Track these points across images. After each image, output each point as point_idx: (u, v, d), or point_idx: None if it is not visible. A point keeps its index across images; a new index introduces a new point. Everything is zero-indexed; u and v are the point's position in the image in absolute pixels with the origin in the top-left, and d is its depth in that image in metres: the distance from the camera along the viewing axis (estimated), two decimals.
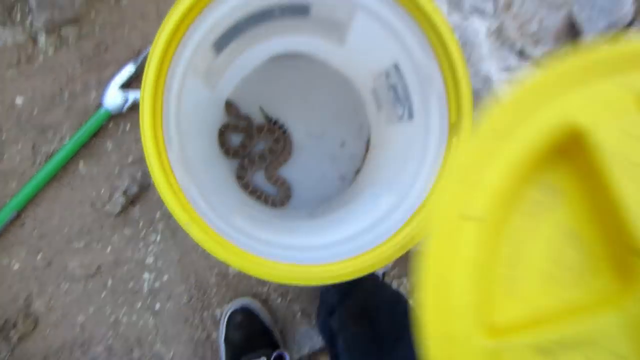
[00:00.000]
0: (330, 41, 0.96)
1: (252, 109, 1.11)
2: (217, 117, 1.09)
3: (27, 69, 1.06)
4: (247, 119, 1.09)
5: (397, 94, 0.88)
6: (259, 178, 1.10)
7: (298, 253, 0.74)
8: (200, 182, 0.78)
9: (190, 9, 0.64)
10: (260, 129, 1.09)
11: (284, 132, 1.10)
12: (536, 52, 1.00)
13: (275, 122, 1.10)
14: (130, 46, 1.13)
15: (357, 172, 1.12)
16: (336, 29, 0.88)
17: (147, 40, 1.13)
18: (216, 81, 0.96)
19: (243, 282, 1.10)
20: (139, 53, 1.11)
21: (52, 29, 1.07)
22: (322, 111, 1.12)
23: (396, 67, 0.84)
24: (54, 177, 1.04)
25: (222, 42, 0.83)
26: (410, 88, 0.81)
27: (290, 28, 0.93)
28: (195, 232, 0.61)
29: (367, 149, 1.12)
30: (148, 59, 0.62)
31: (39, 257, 1.04)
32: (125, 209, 1.07)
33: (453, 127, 0.66)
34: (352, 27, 0.84)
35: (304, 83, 1.12)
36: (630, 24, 1.01)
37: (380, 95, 1.00)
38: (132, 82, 1.10)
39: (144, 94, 0.61)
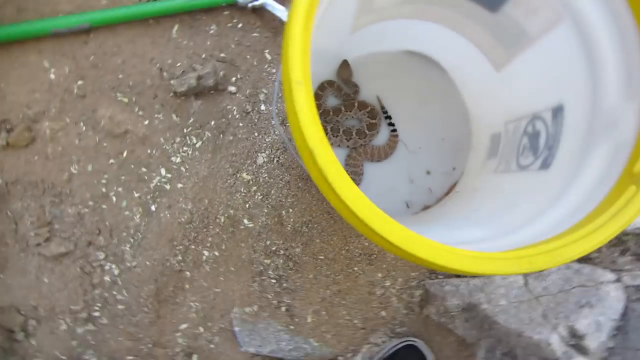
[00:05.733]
0: (493, 57, 0.85)
1: (363, 87, 1.00)
2: (326, 69, 0.98)
3: None
4: (355, 88, 0.98)
5: (535, 142, 0.76)
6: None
7: None
8: None
9: None
10: (362, 105, 0.97)
11: (396, 135, 0.99)
12: None
13: (389, 117, 0.99)
14: None
15: (425, 207, 0.99)
16: (516, 40, 0.77)
17: None
18: (363, 23, 0.85)
19: (249, 242, 0.96)
20: None
21: None
22: (427, 130, 1.01)
23: (556, 111, 0.71)
24: (144, 22, 0.93)
25: None
26: (564, 136, 0.69)
27: (465, 20, 0.83)
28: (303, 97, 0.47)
29: (447, 192, 1.00)
30: None
31: (78, 83, 0.91)
32: (188, 94, 0.94)
33: (632, 177, 0.53)
34: (539, 43, 0.73)
35: (425, 93, 1.01)
36: None
37: (502, 142, 0.89)
38: None
39: None
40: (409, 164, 1.00)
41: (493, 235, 0.62)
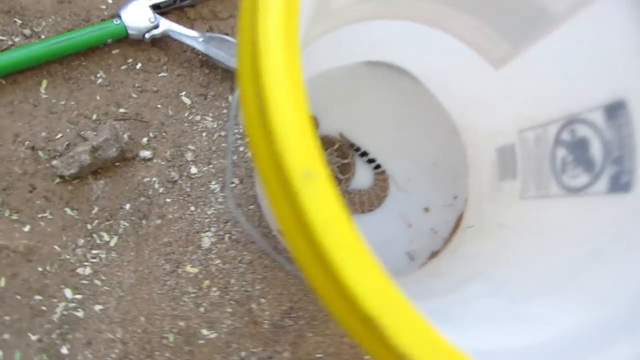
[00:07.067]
0: (492, 53, 0.65)
1: (322, 118, 0.76)
2: None
3: None
4: (314, 120, 0.74)
5: (582, 153, 0.56)
6: None
7: None
8: None
9: None
10: (327, 142, 0.73)
11: (382, 171, 0.75)
12: None
13: (365, 153, 0.75)
14: None
15: (434, 254, 0.76)
16: (530, 27, 0.56)
17: None
18: (315, 35, 0.61)
19: (216, 359, 0.68)
20: None
21: None
22: (412, 158, 0.78)
23: (613, 109, 0.51)
24: None
25: None
26: None
27: (449, 10, 0.61)
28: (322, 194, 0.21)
29: (454, 228, 0.78)
30: None
31: None
32: (82, 175, 0.65)
33: None
34: (569, 24, 0.52)
35: (400, 112, 0.79)
36: None
37: (519, 157, 0.68)
38: (171, 11, 0.74)
39: None
40: (402, 204, 0.77)
41: (599, 324, 0.40)
